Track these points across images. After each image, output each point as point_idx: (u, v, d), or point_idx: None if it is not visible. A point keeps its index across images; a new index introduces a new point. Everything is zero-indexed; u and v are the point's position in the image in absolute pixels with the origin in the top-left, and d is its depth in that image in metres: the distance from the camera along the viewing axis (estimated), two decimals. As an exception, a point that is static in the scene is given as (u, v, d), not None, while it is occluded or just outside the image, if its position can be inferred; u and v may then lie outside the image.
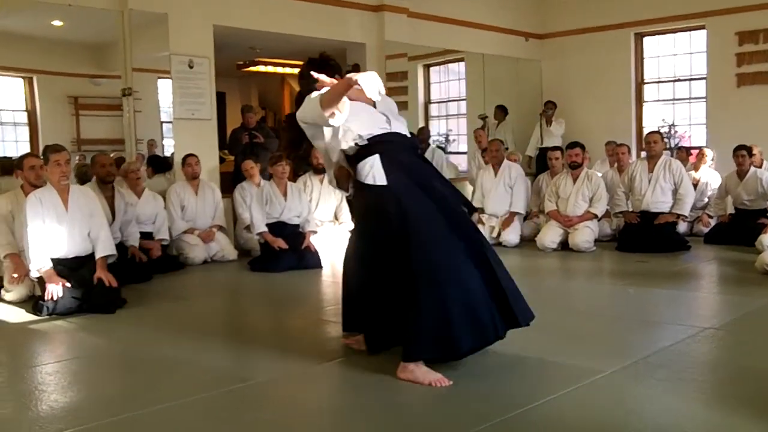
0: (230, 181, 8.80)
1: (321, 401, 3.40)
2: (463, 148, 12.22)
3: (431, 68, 12.25)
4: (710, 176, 9.22)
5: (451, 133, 12.46)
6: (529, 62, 12.21)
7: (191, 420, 3.19)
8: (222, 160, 9.39)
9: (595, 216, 8.16)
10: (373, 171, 3.59)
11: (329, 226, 8.47)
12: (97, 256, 5.63)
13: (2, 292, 5.97)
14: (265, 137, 9.53)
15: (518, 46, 11.98)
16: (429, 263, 3.45)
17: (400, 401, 3.27)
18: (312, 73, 3.73)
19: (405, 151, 3.73)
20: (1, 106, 8.71)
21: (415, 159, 3.78)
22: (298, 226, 7.57)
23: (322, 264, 7.27)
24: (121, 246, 6.45)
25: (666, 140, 10.27)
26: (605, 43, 11.53)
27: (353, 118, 3.65)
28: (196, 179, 7.92)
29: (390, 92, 10.03)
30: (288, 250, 7.20)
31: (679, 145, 11.00)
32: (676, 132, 11.43)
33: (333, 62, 3.98)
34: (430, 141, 10.81)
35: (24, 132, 9.14)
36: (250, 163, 8.31)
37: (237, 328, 5.20)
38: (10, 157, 7.79)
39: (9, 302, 5.85)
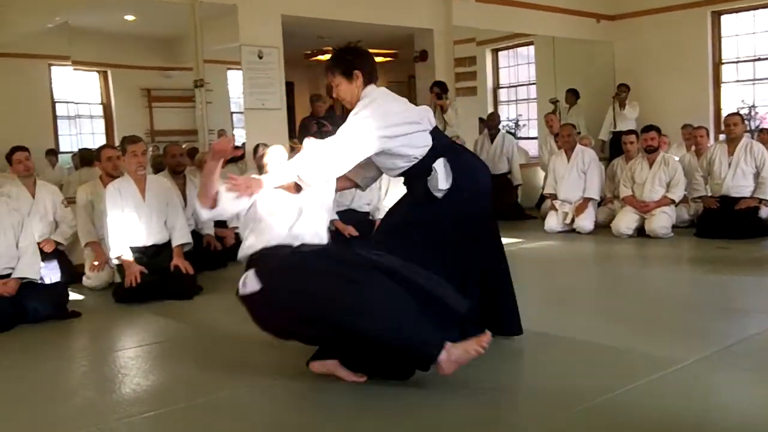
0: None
1: (401, 389, 3.36)
2: (534, 133, 12.07)
3: (500, 52, 12.11)
4: (793, 159, 8.90)
5: (521, 118, 12.32)
6: (601, 44, 11.95)
7: (269, 404, 3.22)
8: (292, 149, 9.44)
9: (673, 201, 7.94)
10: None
11: (399, 213, 8.44)
12: (174, 244, 5.75)
13: (83, 279, 6.13)
14: (333, 126, 9.55)
15: (589, 27, 11.73)
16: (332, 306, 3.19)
17: (478, 389, 3.23)
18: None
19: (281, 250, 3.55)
20: (79, 100, 8.90)
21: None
22: (368, 213, 7.57)
23: (394, 251, 7.24)
24: (196, 234, 6.54)
25: (746, 122, 9.95)
26: (680, 23, 11.17)
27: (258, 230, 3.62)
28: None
29: (458, 78, 10.06)
30: (358, 237, 7.21)
31: (760, 126, 10.64)
32: (756, 113, 11.07)
33: (351, 56, 3.73)
34: (500, 126, 10.69)
35: (100, 124, 9.35)
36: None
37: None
38: (89, 149, 7.98)
39: (90, 289, 6.03)
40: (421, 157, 3.69)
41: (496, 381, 3.32)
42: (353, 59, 3.73)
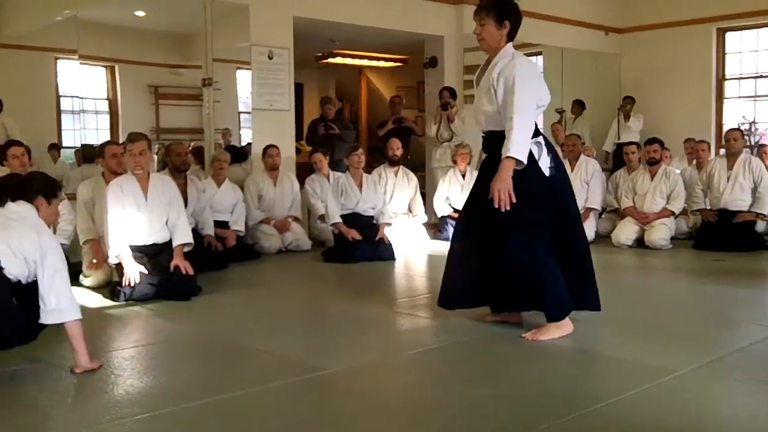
0: (307, 172, 8.85)
1: (395, 393, 3.39)
2: (539, 142, 12.06)
3: (508, 62, 12.11)
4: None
5: (528, 127, 12.31)
6: (609, 56, 11.98)
7: (266, 407, 3.21)
8: (298, 151, 9.47)
9: (672, 213, 8.02)
10: None
11: (403, 218, 8.48)
12: (175, 243, 5.65)
13: (81, 277, 6.05)
14: (342, 129, 9.59)
15: (598, 40, 11.77)
16: None
17: (474, 395, 3.25)
18: None
19: None
20: (84, 94, 8.90)
21: None
22: (372, 217, 7.59)
23: (396, 256, 7.28)
24: (196, 234, 6.50)
25: (746, 138, 9.98)
26: (686, 38, 11.23)
27: None
28: (276, 170, 7.99)
29: (467, 85, 10.07)
30: (362, 241, 7.23)
31: (760, 142, 10.68)
32: (756, 129, 11.17)
33: (509, 6, 4.11)
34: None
35: (105, 120, 9.34)
36: (319, 156, 8.44)
37: (311, 317, 5.19)
38: (92, 145, 7.97)
39: (87, 287, 5.97)
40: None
41: (490, 383, 3.35)
42: (509, 10, 4.08)
